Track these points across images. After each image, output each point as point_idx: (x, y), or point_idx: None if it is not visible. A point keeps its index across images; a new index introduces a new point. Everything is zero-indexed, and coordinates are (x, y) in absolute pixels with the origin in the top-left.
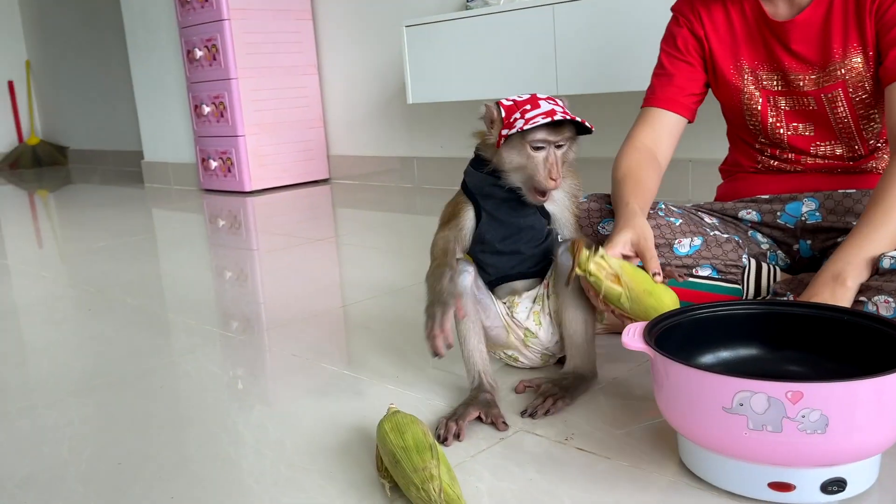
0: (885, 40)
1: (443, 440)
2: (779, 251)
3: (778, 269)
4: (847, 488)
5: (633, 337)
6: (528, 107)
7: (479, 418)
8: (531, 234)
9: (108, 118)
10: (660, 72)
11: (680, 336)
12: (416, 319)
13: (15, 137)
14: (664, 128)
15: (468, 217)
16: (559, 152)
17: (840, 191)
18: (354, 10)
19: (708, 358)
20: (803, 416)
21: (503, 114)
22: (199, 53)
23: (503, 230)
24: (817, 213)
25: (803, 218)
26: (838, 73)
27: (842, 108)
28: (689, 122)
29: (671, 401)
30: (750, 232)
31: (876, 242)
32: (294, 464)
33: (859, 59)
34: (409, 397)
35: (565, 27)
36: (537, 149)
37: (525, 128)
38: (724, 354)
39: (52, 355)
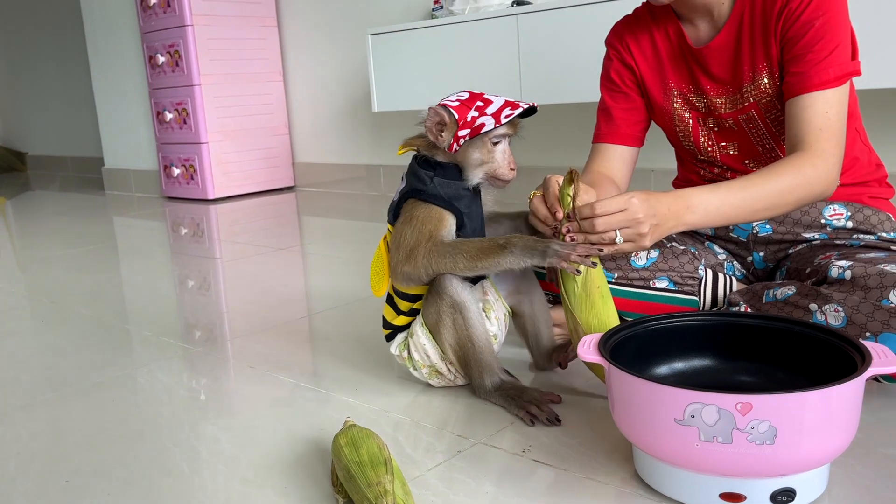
0: (787, 57)
1: (552, 421)
2: (735, 262)
3: (735, 279)
4: (797, 498)
5: (587, 348)
6: (480, 103)
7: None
8: (483, 225)
9: (68, 123)
10: (602, 107)
11: (635, 347)
12: (377, 331)
13: None
14: (615, 160)
15: (452, 226)
16: (509, 141)
17: None
18: (320, 17)
19: (662, 369)
20: (752, 428)
21: (456, 116)
22: (161, 59)
23: (472, 227)
24: (767, 226)
25: (755, 231)
26: (750, 94)
27: (759, 128)
28: (639, 147)
29: (625, 412)
30: (707, 242)
31: (735, 206)
32: (248, 479)
33: (766, 80)
34: (367, 409)
35: (529, 37)
36: (496, 144)
37: (502, 123)
38: (679, 365)
39: (1, 367)
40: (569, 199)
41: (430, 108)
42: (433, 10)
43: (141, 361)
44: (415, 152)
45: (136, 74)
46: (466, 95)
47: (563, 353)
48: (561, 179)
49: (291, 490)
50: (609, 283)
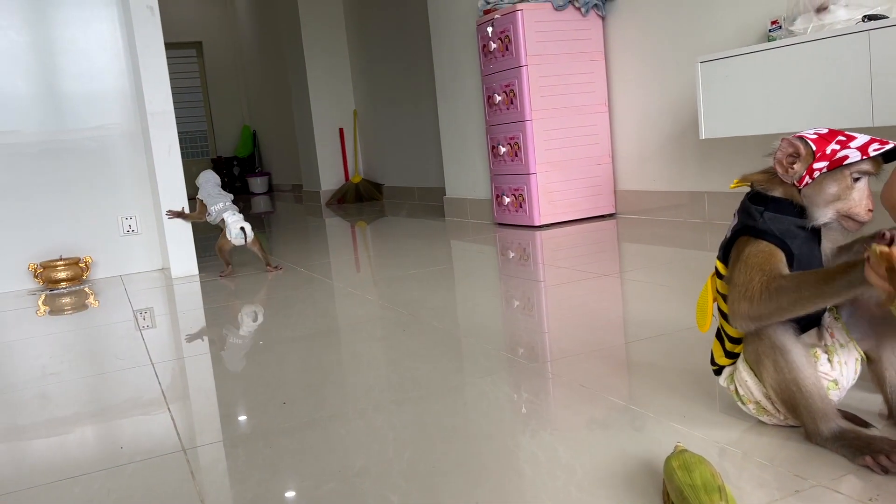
0: None
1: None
2: None
3: None
4: None
5: None
6: (841, 138)
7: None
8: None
9: (417, 159)
10: None
11: None
12: (704, 362)
13: (342, 176)
14: None
15: (784, 264)
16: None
17: None
18: (648, 47)
19: None
20: None
21: (813, 147)
22: (497, 98)
23: (805, 269)
24: None
25: None
26: None
27: None
28: None
29: None
30: None
31: None
32: (583, 487)
33: None
34: (694, 437)
35: (883, 54)
36: (857, 180)
37: (871, 154)
38: None
39: (375, 367)
40: None
41: (783, 139)
42: (770, 31)
43: (484, 371)
44: (749, 188)
45: (475, 113)
46: (825, 130)
47: None
48: None
49: (625, 501)
50: None
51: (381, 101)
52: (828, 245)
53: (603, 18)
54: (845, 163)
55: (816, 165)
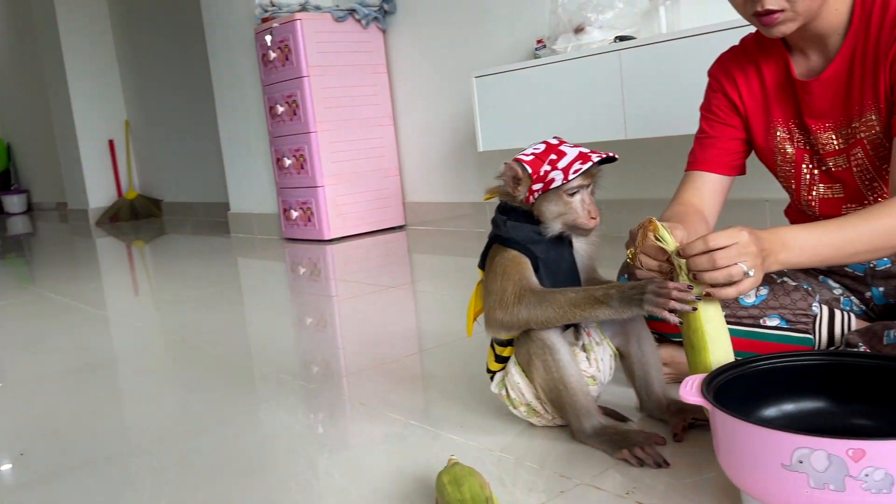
0: None
1: (659, 464)
2: (852, 297)
3: (853, 315)
4: None
5: (691, 390)
6: (553, 157)
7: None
8: (574, 272)
9: (198, 172)
10: (700, 136)
11: (742, 388)
12: (481, 369)
13: (115, 192)
14: (707, 189)
15: (529, 268)
16: (589, 190)
17: None
18: (428, 62)
19: (771, 411)
20: (867, 475)
21: (529, 170)
22: (280, 109)
23: (554, 272)
24: (886, 259)
25: (872, 265)
26: (859, 130)
27: (866, 168)
28: (741, 174)
29: (730, 456)
30: (821, 277)
31: (833, 245)
32: None
33: (874, 116)
34: (471, 447)
35: (632, 72)
36: (573, 194)
37: (570, 179)
38: (788, 407)
39: (138, 403)
40: (669, 240)
41: (505, 163)
42: (536, 49)
43: (261, 398)
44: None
45: (258, 125)
46: (542, 148)
47: (681, 421)
48: (649, 232)
49: None
50: None
51: (156, 110)
52: (583, 246)
53: (384, 31)
54: (552, 186)
55: (535, 187)
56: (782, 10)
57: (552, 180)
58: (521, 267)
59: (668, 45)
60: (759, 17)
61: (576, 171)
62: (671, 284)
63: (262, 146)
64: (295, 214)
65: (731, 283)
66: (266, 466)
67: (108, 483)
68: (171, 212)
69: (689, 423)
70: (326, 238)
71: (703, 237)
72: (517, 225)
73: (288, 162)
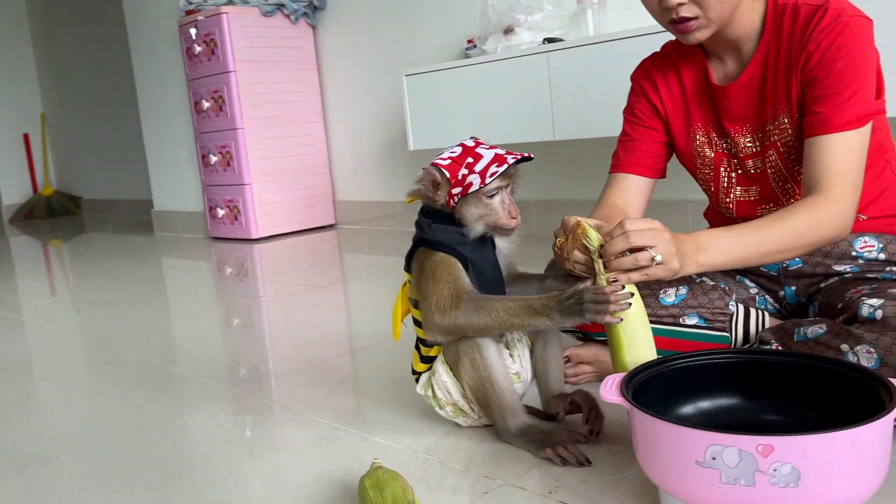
0: (808, 97)
1: (581, 462)
2: (767, 296)
3: (767, 314)
4: None
5: (610, 389)
6: (470, 160)
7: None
8: (497, 271)
9: (120, 168)
10: (623, 139)
11: (660, 386)
12: (408, 370)
13: (30, 188)
14: (631, 190)
15: (461, 269)
16: (509, 190)
17: None
18: (358, 60)
19: (688, 408)
20: (775, 470)
21: (447, 175)
22: (206, 105)
23: (481, 271)
24: (797, 259)
25: (785, 265)
26: (773, 133)
27: (780, 170)
28: (661, 177)
29: (648, 454)
30: (738, 277)
31: (748, 246)
32: None
33: (786, 119)
34: (396, 450)
35: (560, 73)
36: (492, 196)
37: (487, 183)
38: (704, 404)
39: (49, 411)
40: (593, 237)
41: (423, 168)
42: (466, 49)
43: (182, 403)
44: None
45: (182, 120)
46: (459, 151)
47: (563, 401)
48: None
49: None
50: None
51: (75, 103)
52: (505, 245)
53: (313, 27)
54: (470, 190)
55: (454, 191)
56: (696, 18)
57: (470, 184)
58: (452, 269)
59: (595, 48)
60: (675, 24)
61: (492, 175)
62: (607, 288)
63: (186, 142)
64: (221, 213)
65: (637, 268)
66: (183, 474)
67: (15, 495)
68: (91, 209)
69: (570, 405)
70: (254, 237)
71: (621, 221)
72: (442, 228)
73: (214, 159)
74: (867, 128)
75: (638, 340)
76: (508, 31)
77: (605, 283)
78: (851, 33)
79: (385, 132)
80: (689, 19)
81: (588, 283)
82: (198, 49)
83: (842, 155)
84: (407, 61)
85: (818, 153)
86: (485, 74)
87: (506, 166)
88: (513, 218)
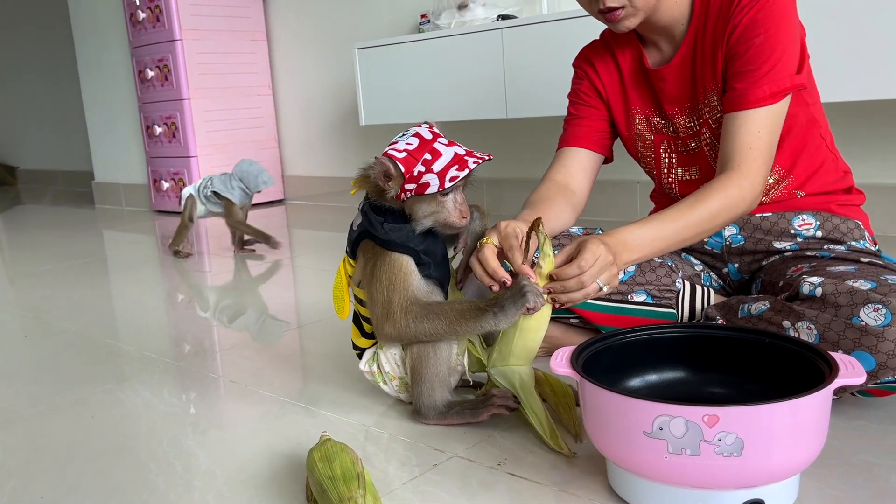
0: (729, 73)
1: (509, 407)
2: (711, 273)
3: (712, 290)
4: None
5: (560, 362)
6: (427, 156)
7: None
8: (446, 262)
9: (59, 138)
10: (568, 118)
11: (609, 360)
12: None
13: None
14: (575, 164)
15: (414, 269)
16: (461, 189)
17: (756, 215)
18: (309, 31)
19: (635, 381)
20: (720, 440)
21: (402, 169)
22: (150, 74)
23: (430, 261)
24: (739, 236)
25: (728, 242)
26: (705, 112)
27: (714, 147)
28: (607, 158)
29: (596, 425)
30: (683, 254)
31: (668, 237)
32: (223, 494)
33: (715, 97)
34: (344, 423)
35: (514, 51)
36: (446, 194)
37: (447, 187)
38: (652, 378)
39: None
40: (542, 245)
41: (375, 158)
42: (420, 24)
43: (123, 377)
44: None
45: (125, 89)
46: (416, 144)
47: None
48: (518, 227)
49: (265, 503)
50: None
51: (9, 69)
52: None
53: None
54: (427, 191)
55: (407, 187)
56: (622, 7)
57: (427, 184)
58: (404, 274)
59: (549, 26)
60: (604, 14)
61: (452, 179)
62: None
63: (130, 112)
64: (166, 185)
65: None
66: (124, 448)
67: None
68: (28, 180)
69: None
70: None
71: (574, 263)
72: (395, 227)
73: (159, 130)
74: (783, 103)
75: (533, 331)
76: (462, 6)
77: (542, 284)
78: (771, 9)
79: (336, 106)
80: (616, 9)
81: (524, 281)
82: (142, 15)
83: (754, 131)
84: (359, 34)
85: (733, 129)
86: (438, 50)
87: (465, 172)
88: (463, 217)
